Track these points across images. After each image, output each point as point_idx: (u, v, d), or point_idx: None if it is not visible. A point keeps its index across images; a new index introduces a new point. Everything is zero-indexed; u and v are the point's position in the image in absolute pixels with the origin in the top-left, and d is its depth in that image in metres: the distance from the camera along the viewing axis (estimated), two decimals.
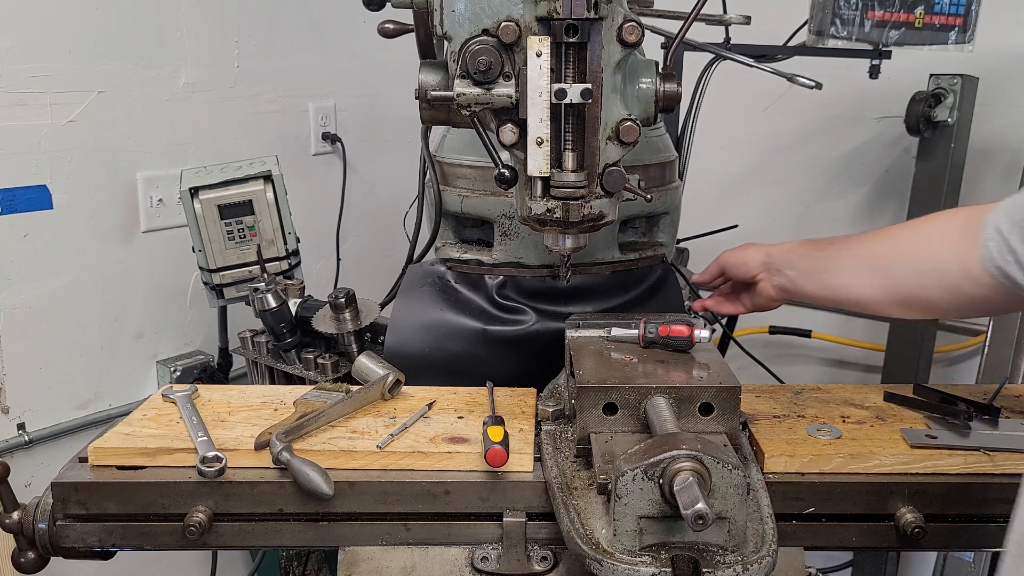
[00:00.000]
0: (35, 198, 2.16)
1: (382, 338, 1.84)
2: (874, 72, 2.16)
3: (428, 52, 1.31)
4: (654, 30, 1.83)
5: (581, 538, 1.10)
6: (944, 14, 2.07)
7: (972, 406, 1.41)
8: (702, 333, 1.40)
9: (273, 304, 1.83)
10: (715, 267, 1.65)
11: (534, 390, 1.51)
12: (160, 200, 2.39)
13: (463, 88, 1.16)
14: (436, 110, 1.27)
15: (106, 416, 2.33)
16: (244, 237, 2.03)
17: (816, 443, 1.34)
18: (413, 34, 1.29)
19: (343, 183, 2.85)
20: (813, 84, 1.84)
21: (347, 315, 1.78)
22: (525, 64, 1.12)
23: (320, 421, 1.37)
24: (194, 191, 2.00)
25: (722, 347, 2.21)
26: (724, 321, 2.34)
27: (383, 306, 1.85)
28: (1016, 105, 2.58)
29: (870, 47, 2.11)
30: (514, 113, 1.17)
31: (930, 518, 1.27)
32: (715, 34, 2.07)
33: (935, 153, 2.48)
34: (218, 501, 1.27)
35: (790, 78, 1.84)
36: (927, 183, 2.52)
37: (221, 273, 2.05)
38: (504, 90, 1.15)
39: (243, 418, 1.43)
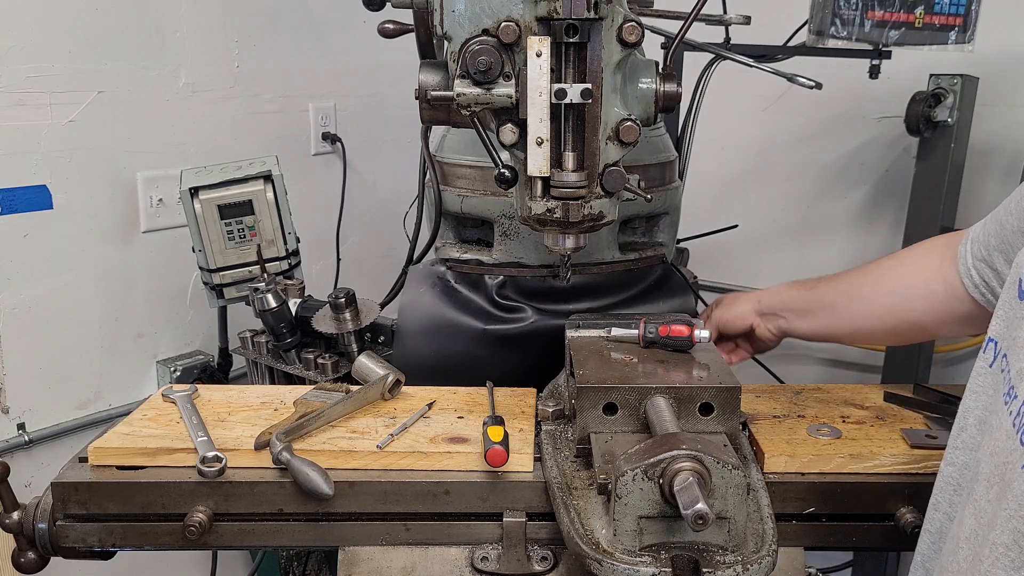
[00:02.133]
0: (35, 198, 2.16)
1: (382, 338, 1.84)
2: (874, 72, 2.16)
3: (428, 52, 1.31)
4: (654, 30, 1.83)
5: (581, 538, 1.10)
6: (944, 14, 2.07)
7: None
8: (702, 333, 1.40)
9: (273, 304, 1.83)
10: (711, 328, 1.67)
11: (534, 390, 1.51)
12: (160, 200, 2.39)
13: (463, 88, 1.16)
14: (436, 110, 1.27)
15: (106, 416, 2.33)
16: (244, 237, 2.03)
17: (816, 443, 1.34)
18: (413, 34, 1.29)
19: (343, 183, 2.85)
20: (813, 84, 1.84)
21: (347, 315, 1.79)
22: (525, 64, 1.12)
23: (320, 421, 1.37)
24: (194, 191, 2.00)
25: None
26: None
27: (383, 306, 1.85)
28: (1016, 105, 2.58)
29: (870, 47, 2.11)
30: (514, 113, 1.17)
31: None
32: (715, 34, 2.07)
33: (935, 153, 2.48)
34: (218, 501, 1.28)
35: (790, 78, 1.84)
36: (927, 183, 2.52)
37: (221, 273, 2.05)
38: (504, 90, 1.15)
39: (243, 418, 1.43)
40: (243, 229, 2.03)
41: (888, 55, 2.14)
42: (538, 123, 1.14)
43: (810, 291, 1.56)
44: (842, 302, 1.51)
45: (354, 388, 1.49)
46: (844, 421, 1.43)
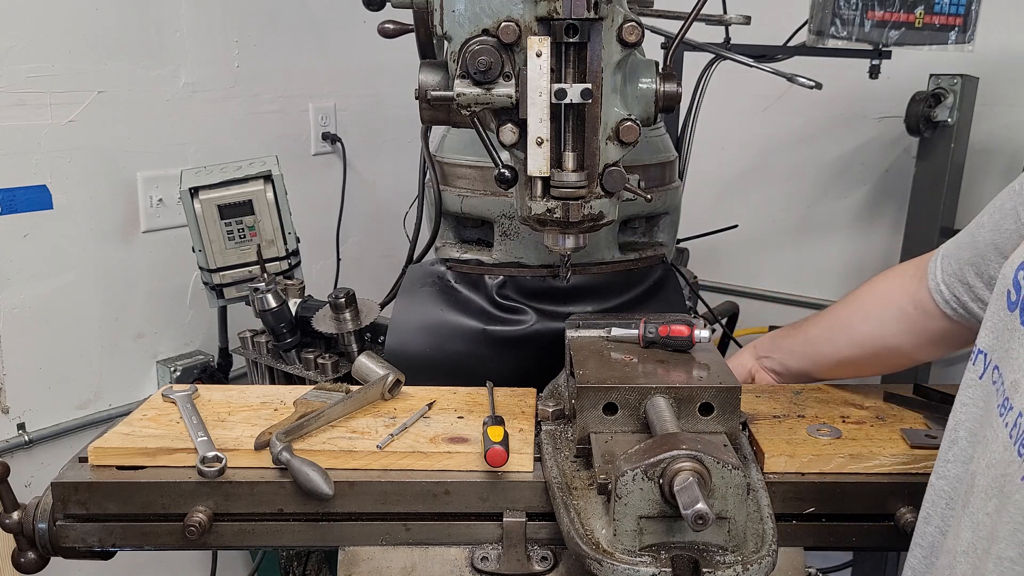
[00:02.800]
0: (35, 198, 2.16)
1: (382, 338, 1.84)
2: (874, 72, 2.16)
3: (428, 52, 1.31)
4: (654, 30, 1.83)
5: (581, 538, 1.10)
6: (944, 14, 2.07)
7: None
8: (702, 333, 1.39)
9: (273, 304, 1.83)
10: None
11: (534, 390, 1.51)
12: (160, 200, 2.39)
13: (463, 88, 1.16)
14: (436, 110, 1.27)
15: (106, 416, 2.33)
16: (244, 237, 2.03)
17: (816, 443, 1.34)
18: (413, 34, 1.29)
19: (343, 183, 2.85)
20: (813, 84, 1.84)
21: (347, 315, 1.79)
22: (525, 64, 1.12)
23: (320, 421, 1.37)
24: (194, 191, 2.00)
25: (722, 347, 2.21)
26: (724, 321, 2.35)
27: (383, 306, 1.85)
28: (1016, 105, 2.58)
29: (870, 47, 2.11)
30: (514, 113, 1.17)
31: None
32: (715, 34, 2.07)
33: (935, 153, 2.48)
34: (218, 501, 1.27)
35: (790, 78, 1.84)
36: (927, 183, 2.51)
37: (221, 273, 2.05)
38: (504, 90, 1.15)
39: (243, 418, 1.43)
40: (243, 229, 2.03)
41: (888, 55, 2.14)
42: (538, 123, 1.14)
43: (796, 329, 1.61)
44: (824, 335, 1.54)
45: (354, 388, 1.49)
46: (844, 421, 1.42)
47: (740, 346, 2.14)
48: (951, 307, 1.33)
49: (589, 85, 1.14)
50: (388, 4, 1.23)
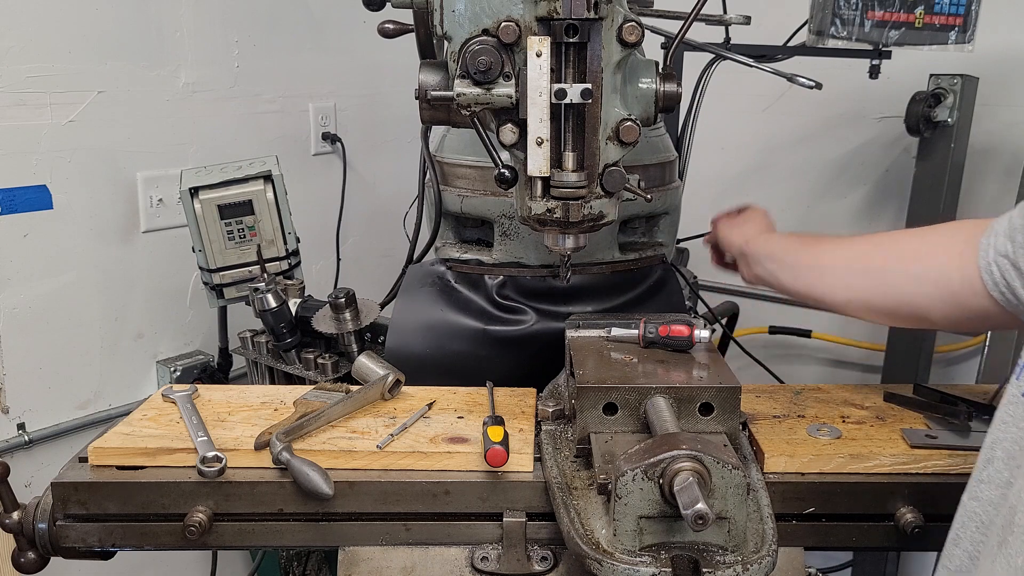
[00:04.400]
0: (35, 198, 2.16)
1: (382, 338, 1.84)
2: (874, 72, 2.15)
3: (428, 52, 1.31)
4: (654, 30, 1.83)
5: (581, 538, 1.10)
6: (944, 14, 2.07)
7: (972, 406, 1.41)
8: (702, 333, 1.40)
9: (273, 304, 1.83)
10: (714, 234, 1.74)
11: (534, 390, 1.51)
12: (160, 200, 2.39)
13: (463, 88, 1.16)
14: (436, 110, 1.27)
15: (106, 416, 2.33)
16: (244, 237, 2.03)
17: (816, 443, 1.34)
18: (413, 34, 1.29)
19: (343, 183, 2.85)
20: (813, 84, 1.84)
21: (347, 315, 1.79)
22: (525, 64, 1.12)
23: (320, 421, 1.37)
24: (194, 191, 1.99)
25: (722, 347, 2.21)
26: (724, 321, 2.35)
27: (383, 306, 1.85)
28: (1016, 105, 2.58)
29: (870, 47, 2.11)
30: (514, 113, 1.17)
31: (930, 518, 1.27)
32: (715, 34, 2.07)
33: (935, 153, 2.48)
34: (218, 501, 1.28)
35: (790, 78, 1.84)
36: (927, 183, 2.51)
37: (221, 273, 2.05)
38: (504, 90, 1.15)
39: (243, 418, 1.43)
40: (243, 229, 2.03)
41: (888, 55, 2.14)
42: (538, 123, 1.14)
43: (807, 248, 1.46)
44: (840, 268, 1.39)
45: (354, 388, 1.49)
46: (844, 421, 1.43)
47: (740, 347, 2.15)
48: (999, 290, 1.17)
49: (589, 85, 1.14)
50: (388, 4, 1.23)
